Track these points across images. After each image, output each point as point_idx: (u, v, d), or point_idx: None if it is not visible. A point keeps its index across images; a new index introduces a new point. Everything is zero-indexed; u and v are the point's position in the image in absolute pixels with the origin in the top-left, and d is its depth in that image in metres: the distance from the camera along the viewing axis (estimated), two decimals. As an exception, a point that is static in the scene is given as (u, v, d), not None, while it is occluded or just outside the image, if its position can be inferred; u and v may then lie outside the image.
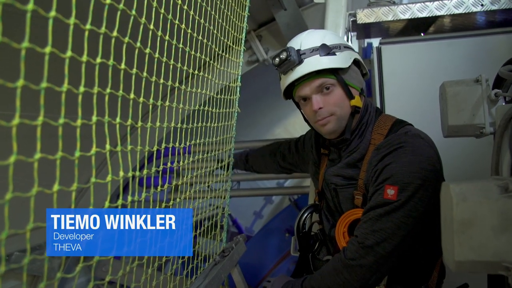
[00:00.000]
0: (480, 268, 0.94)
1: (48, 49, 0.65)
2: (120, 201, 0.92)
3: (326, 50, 1.44)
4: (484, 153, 1.57)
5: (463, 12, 2.11)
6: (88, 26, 0.75)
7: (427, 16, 2.16)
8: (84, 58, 0.75)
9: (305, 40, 1.48)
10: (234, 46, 1.87)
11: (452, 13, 2.12)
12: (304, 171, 2.02)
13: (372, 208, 1.35)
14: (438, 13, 2.14)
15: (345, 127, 1.50)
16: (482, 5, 2.08)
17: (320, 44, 1.45)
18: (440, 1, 2.15)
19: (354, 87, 1.50)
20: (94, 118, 0.80)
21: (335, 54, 1.45)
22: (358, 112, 1.50)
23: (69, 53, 0.70)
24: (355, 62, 1.52)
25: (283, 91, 1.57)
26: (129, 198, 0.97)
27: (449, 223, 0.96)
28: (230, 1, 1.70)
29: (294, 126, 5.76)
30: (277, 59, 1.48)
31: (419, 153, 1.36)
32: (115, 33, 0.85)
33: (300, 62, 1.44)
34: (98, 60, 0.80)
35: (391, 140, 1.41)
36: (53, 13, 0.66)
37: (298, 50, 1.45)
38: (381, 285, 1.43)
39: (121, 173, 0.91)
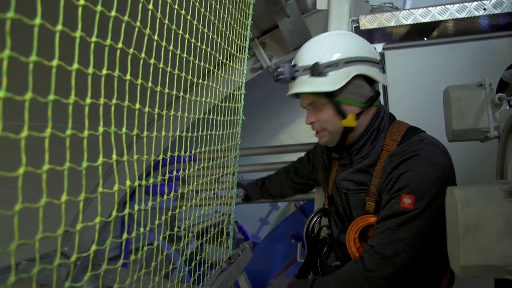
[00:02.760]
0: (485, 273, 0.94)
1: (55, 62, 0.66)
2: (127, 210, 0.93)
3: (317, 70, 1.41)
4: (488, 157, 1.58)
5: (466, 16, 2.11)
6: (94, 39, 0.77)
7: (430, 21, 2.17)
8: (90, 70, 0.77)
9: (304, 55, 1.47)
10: (238, 54, 1.88)
11: (454, 18, 2.13)
12: (317, 180, 1.98)
13: (389, 217, 1.34)
14: (441, 18, 2.15)
15: (339, 141, 1.52)
16: (484, 9, 2.08)
17: (312, 64, 1.43)
18: (443, 6, 2.15)
19: (352, 104, 1.47)
20: (100, 129, 0.81)
21: (326, 75, 1.41)
22: (352, 131, 1.49)
23: (75, 65, 0.71)
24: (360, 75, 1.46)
25: None
26: (136, 207, 0.98)
27: (454, 228, 0.97)
28: (234, 10, 1.71)
29: (298, 133, 5.77)
30: (274, 73, 1.50)
31: (435, 162, 1.35)
32: (120, 45, 0.86)
33: (294, 79, 1.47)
34: (104, 71, 0.81)
35: (406, 147, 1.41)
36: (59, 27, 0.67)
37: (294, 66, 1.47)
38: None
39: (128, 182, 0.92)
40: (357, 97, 1.48)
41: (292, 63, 1.49)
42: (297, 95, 1.55)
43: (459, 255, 0.93)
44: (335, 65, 1.42)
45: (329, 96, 1.44)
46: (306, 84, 1.44)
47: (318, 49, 1.46)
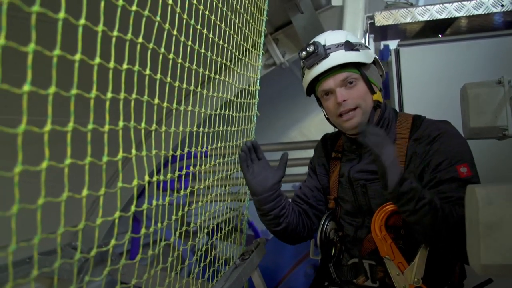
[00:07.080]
0: (507, 272, 0.92)
1: (78, 56, 0.66)
2: (145, 206, 0.93)
3: (350, 46, 1.50)
4: (506, 155, 1.56)
5: (483, 13, 2.09)
6: (115, 33, 0.76)
7: (446, 17, 2.15)
8: (112, 64, 0.77)
9: (329, 37, 1.54)
10: (252, 50, 1.88)
11: (471, 14, 2.11)
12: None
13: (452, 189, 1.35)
14: (457, 15, 2.13)
15: (367, 122, 1.50)
16: (502, 5, 2.06)
17: (344, 41, 1.51)
18: (459, 2, 2.13)
19: (375, 84, 1.54)
20: (120, 124, 0.80)
21: (359, 50, 1.51)
22: (380, 106, 1.54)
23: (97, 59, 0.71)
24: (374, 61, 1.58)
25: (306, 86, 1.61)
26: (154, 202, 0.98)
27: (474, 226, 0.95)
28: (249, 5, 1.71)
29: (309, 129, 5.74)
30: (304, 52, 1.53)
31: (459, 134, 1.46)
32: (140, 39, 0.86)
33: (326, 56, 1.48)
34: (125, 66, 0.81)
35: (430, 130, 1.47)
36: (82, 21, 0.67)
37: (324, 45, 1.50)
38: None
39: (146, 178, 0.92)
40: (377, 79, 1.57)
41: (315, 46, 1.50)
42: (313, 89, 1.60)
43: (479, 253, 0.92)
44: (361, 45, 1.55)
45: (361, 71, 1.51)
46: (344, 57, 1.48)
47: (342, 33, 1.57)
